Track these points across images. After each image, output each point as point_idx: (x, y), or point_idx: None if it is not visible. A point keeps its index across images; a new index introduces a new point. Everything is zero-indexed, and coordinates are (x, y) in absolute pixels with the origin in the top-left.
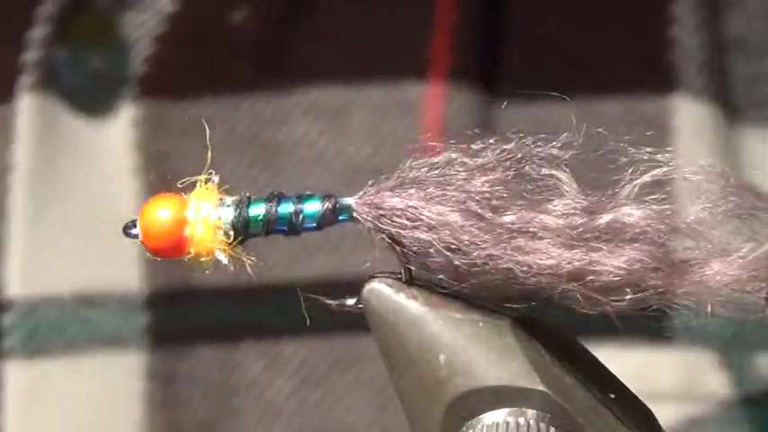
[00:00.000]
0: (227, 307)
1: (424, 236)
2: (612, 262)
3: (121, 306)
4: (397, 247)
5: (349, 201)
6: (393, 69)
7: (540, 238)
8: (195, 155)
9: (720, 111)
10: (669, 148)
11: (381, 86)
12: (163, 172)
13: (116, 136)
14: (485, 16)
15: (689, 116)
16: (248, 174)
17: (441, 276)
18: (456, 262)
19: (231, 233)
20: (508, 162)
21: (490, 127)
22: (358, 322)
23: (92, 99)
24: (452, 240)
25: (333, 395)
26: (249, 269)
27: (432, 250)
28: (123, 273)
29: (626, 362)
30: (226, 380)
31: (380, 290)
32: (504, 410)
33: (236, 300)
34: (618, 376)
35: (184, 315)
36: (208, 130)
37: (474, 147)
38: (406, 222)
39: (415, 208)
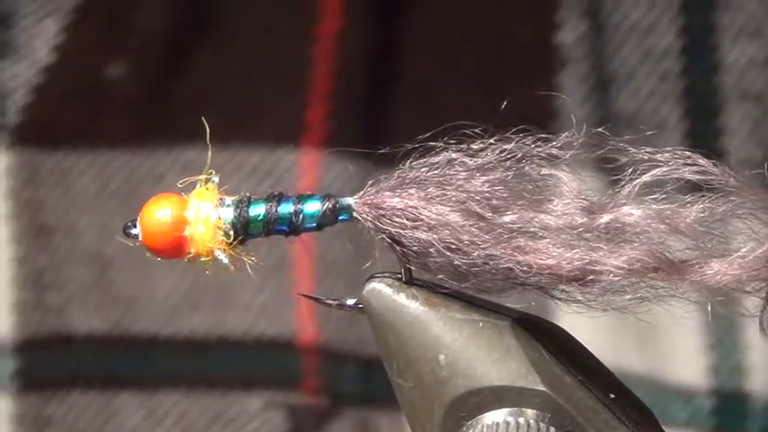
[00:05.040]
0: (106, 355)
1: (423, 236)
2: (612, 262)
3: None
4: (397, 247)
5: (349, 201)
6: (269, 134)
7: (540, 238)
8: (68, 203)
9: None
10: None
11: (257, 151)
12: (35, 220)
13: None
14: (362, 82)
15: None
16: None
17: (441, 276)
18: (456, 262)
19: (231, 233)
20: (508, 162)
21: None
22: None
23: None
24: (452, 240)
25: None
26: (249, 269)
27: (432, 250)
28: None
29: None
30: (102, 428)
31: (380, 290)
32: (504, 410)
33: (116, 348)
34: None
35: (58, 362)
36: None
37: (474, 147)
38: (406, 222)
39: (415, 208)
